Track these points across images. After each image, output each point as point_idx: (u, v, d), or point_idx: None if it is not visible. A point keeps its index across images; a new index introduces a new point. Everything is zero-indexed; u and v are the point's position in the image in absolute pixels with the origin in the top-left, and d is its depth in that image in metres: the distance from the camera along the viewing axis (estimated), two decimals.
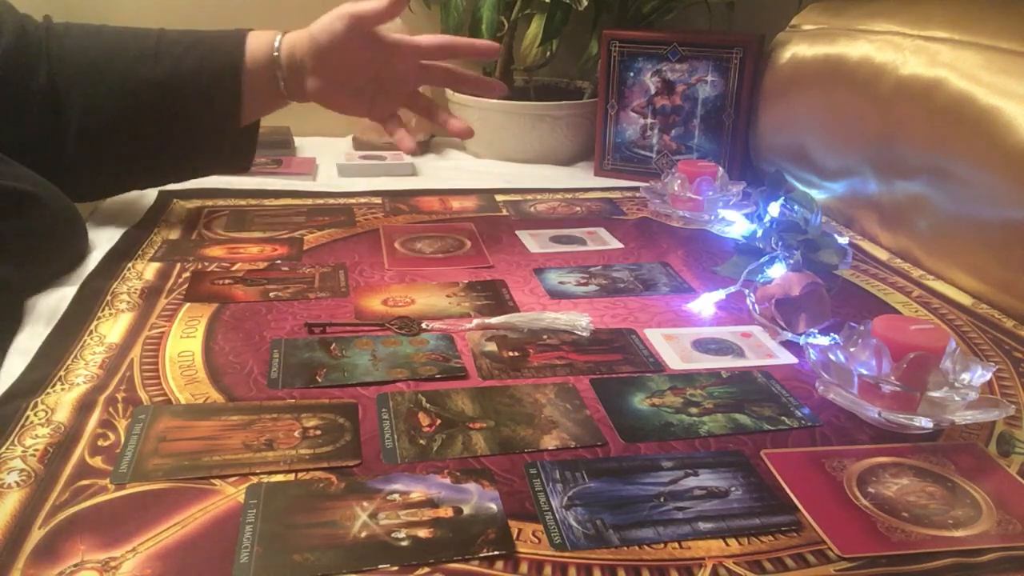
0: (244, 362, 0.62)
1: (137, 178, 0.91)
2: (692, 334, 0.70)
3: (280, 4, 1.34)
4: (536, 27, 1.26)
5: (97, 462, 0.49)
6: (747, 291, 0.73)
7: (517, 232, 0.94)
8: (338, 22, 0.82)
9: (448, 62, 0.91)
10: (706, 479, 0.51)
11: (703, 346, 0.68)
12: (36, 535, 0.43)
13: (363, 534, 0.44)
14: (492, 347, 0.66)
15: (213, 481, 0.48)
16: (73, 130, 0.80)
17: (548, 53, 1.28)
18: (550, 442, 0.54)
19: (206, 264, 0.80)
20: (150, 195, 1.00)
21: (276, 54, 0.83)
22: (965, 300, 0.79)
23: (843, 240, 0.78)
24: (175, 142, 0.85)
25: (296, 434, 0.53)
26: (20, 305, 0.70)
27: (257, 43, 0.83)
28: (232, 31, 0.85)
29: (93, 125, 0.80)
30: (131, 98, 0.81)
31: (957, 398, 0.55)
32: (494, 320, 0.69)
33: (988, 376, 0.57)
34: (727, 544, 0.45)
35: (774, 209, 0.82)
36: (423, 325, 0.69)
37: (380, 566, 0.42)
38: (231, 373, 0.60)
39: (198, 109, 0.82)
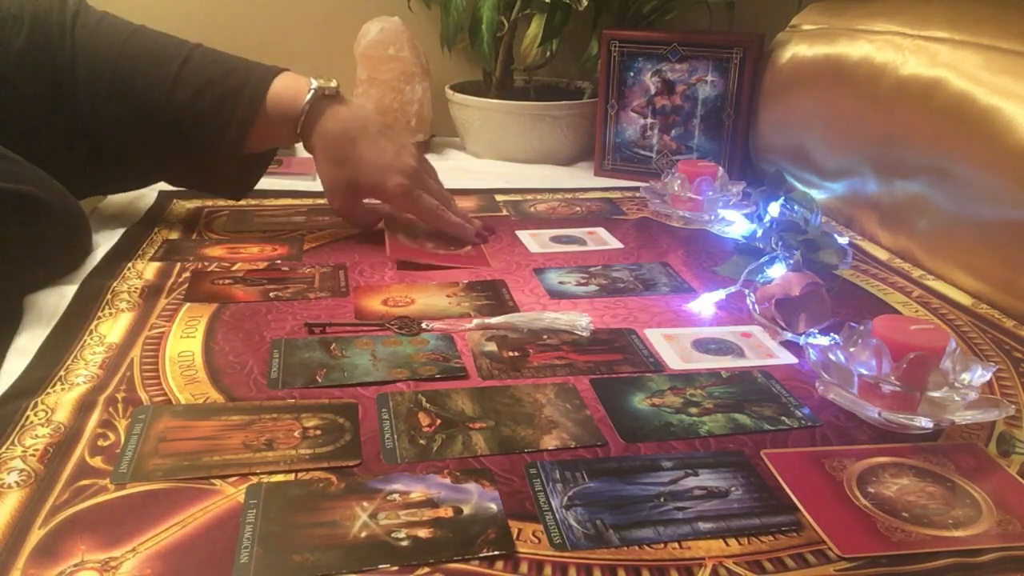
0: (244, 362, 0.62)
1: (136, 181, 0.94)
2: (692, 334, 0.70)
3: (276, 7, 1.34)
4: (536, 27, 1.26)
5: (97, 462, 0.49)
6: (747, 291, 0.73)
7: (517, 232, 0.94)
8: (335, 194, 0.86)
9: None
10: (706, 479, 0.51)
11: (703, 346, 0.68)
12: (36, 535, 0.43)
13: (363, 534, 0.44)
14: (492, 347, 0.66)
15: (213, 481, 0.48)
16: (80, 129, 0.81)
17: (548, 53, 1.28)
18: (550, 442, 0.54)
19: (206, 264, 0.80)
20: (150, 195, 1.00)
21: (303, 110, 0.82)
22: (965, 300, 0.79)
23: (843, 240, 0.78)
24: (175, 163, 0.87)
25: (296, 434, 0.53)
26: (20, 305, 0.70)
27: (281, 95, 0.82)
28: (260, 72, 0.83)
29: (101, 129, 0.81)
30: (141, 119, 0.81)
31: (957, 398, 0.55)
32: (494, 320, 0.69)
33: (988, 376, 0.57)
34: (727, 544, 0.45)
35: (774, 209, 0.82)
36: (423, 325, 0.69)
37: (380, 566, 0.42)
38: (231, 373, 0.60)
39: (202, 143, 0.83)
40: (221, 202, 0.99)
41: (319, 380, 0.60)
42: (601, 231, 0.96)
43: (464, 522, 0.46)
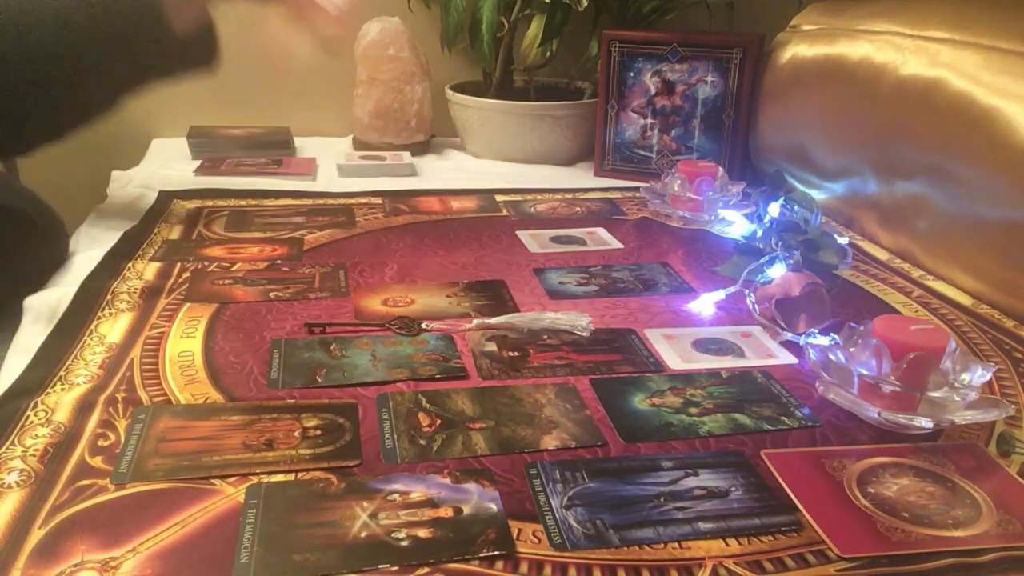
0: (244, 362, 0.62)
1: (93, 104, 0.84)
2: (692, 334, 0.70)
3: None
4: (536, 27, 1.26)
5: (97, 462, 0.49)
6: (747, 291, 0.73)
7: (517, 232, 0.94)
8: None
9: None
10: (706, 479, 0.51)
11: (703, 346, 0.68)
12: (36, 535, 0.43)
13: (363, 534, 0.44)
14: (492, 347, 0.66)
15: (213, 481, 0.48)
16: (15, 68, 0.73)
17: (548, 53, 1.28)
18: (550, 442, 0.54)
19: (206, 264, 0.80)
20: (150, 195, 1.00)
21: None
22: (965, 300, 0.79)
23: (843, 240, 0.78)
24: (121, 52, 0.79)
25: (296, 434, 0.53)
26: (20, 305, 0.69)
27: None
28: None
29: (35, 56, 0.73)
30: (63, 26, 0.74)
31: (957, 398, 0.55)
32: (494, 320, 0.69)
33: (988, 376, 0.57)
34: (727, 544, 0.45)
35: (774, 209, 0.82)
36: (423, 325, 0.69)
37: (380, 566, 0.42)
38: (231, 373, 0.60)
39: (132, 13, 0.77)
40: (221, 202, 0.99)
41: (319, 380, 0.60)
42: (601, 231, 0.96)
43: (464, 522, 0.46)
